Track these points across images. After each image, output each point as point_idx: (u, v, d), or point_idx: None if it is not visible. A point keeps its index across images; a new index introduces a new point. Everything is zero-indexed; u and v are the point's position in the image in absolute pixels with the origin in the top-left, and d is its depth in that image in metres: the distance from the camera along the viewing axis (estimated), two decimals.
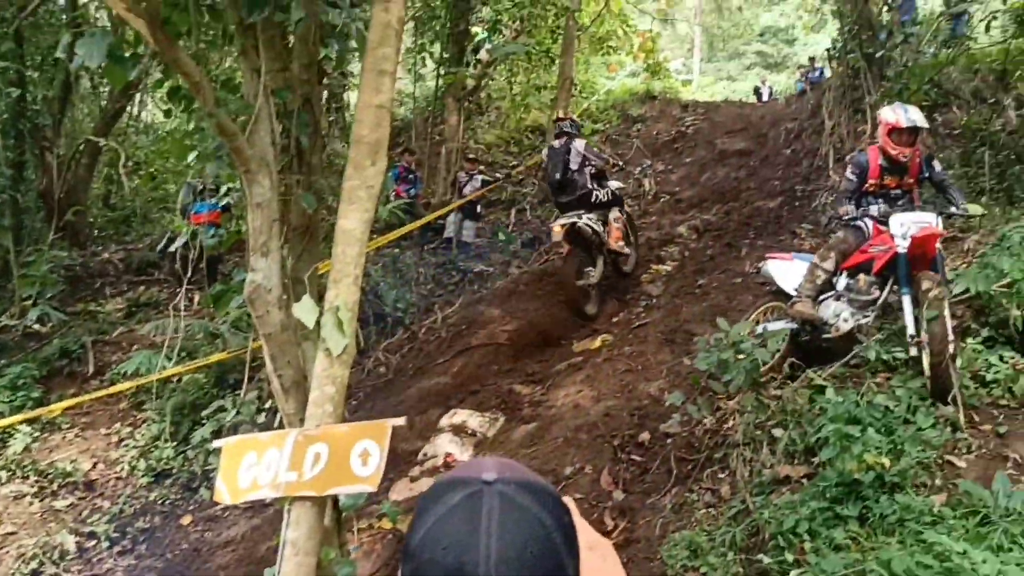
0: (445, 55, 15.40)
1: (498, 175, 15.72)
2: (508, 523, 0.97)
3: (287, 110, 3.70)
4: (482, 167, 16.19)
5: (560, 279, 9.22)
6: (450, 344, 9.42)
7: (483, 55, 16.77)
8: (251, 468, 3.22)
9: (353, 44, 4.09)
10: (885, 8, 14.43)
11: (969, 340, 5.83)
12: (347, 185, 3.21)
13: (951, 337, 5.15)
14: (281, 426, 3.59)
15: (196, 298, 10.34)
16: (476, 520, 0.98)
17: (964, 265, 7.11)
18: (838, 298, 6.12)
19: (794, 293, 6.29)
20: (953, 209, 6.09)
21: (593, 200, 9.14)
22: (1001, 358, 5.61)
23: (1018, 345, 5.66)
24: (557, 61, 16.36)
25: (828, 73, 18.45)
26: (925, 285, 5.36)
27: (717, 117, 18.63)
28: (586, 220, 8.78)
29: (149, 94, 16.82)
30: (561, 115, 10.89)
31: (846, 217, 6.06)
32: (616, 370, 7.33)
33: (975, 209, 6.36)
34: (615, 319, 9.03)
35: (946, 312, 5.19)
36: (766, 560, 4.29)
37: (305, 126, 3.73)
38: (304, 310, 3.21)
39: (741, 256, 10.20)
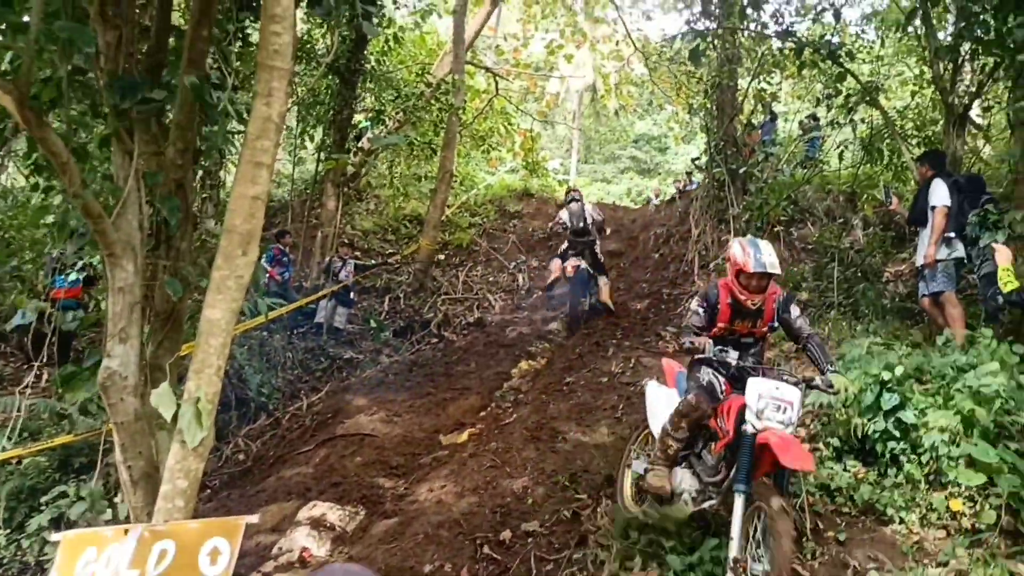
0: (327, 140, 15.46)
1: (374, 263, 15.71)
2: None
3: (157, 194, 3.66)
4: (357, 253, 16.19)
5: (567, 300, 12.80)
6: (314, 433, 9.22)
7: (364, 143, 16.94)
8: (89, 564, 3.06)
9: (232, 124, 4.10)
10: (747, 128, 15.38)
11: (820, 450, 6.13)
12: (216, 275, 3.17)
13: None
14: (128, 520, 3.44)
15: (45, 376, 9.80)
16: None
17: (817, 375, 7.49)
18: (688, 466, 5.24)
19: (656, 433, 5.52)
20: (818, 381, 5.06)
21: (596, 248, 12.91)
22: (845, 468, 5.91)
23: (860, 455, 5.97)
24: (439, 153, 16.67)
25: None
26: (773, 504, 4.46)
27: None
28: (585, 266, 12.54)
29: (12, 159, 16.15)
30: (572, 186, 16.53)
31: (696, 342, 5.22)
32: (481, 466, 7.32)
33: (839, 381, 5.13)
34: (482, 413, 9.05)
35: (787, 547, 4.29)
36: None
37: (175, 211, 3.69)
38: (162, 400, 3.12)
39: (608, 355, 10.44)
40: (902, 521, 5.37)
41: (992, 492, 5.17)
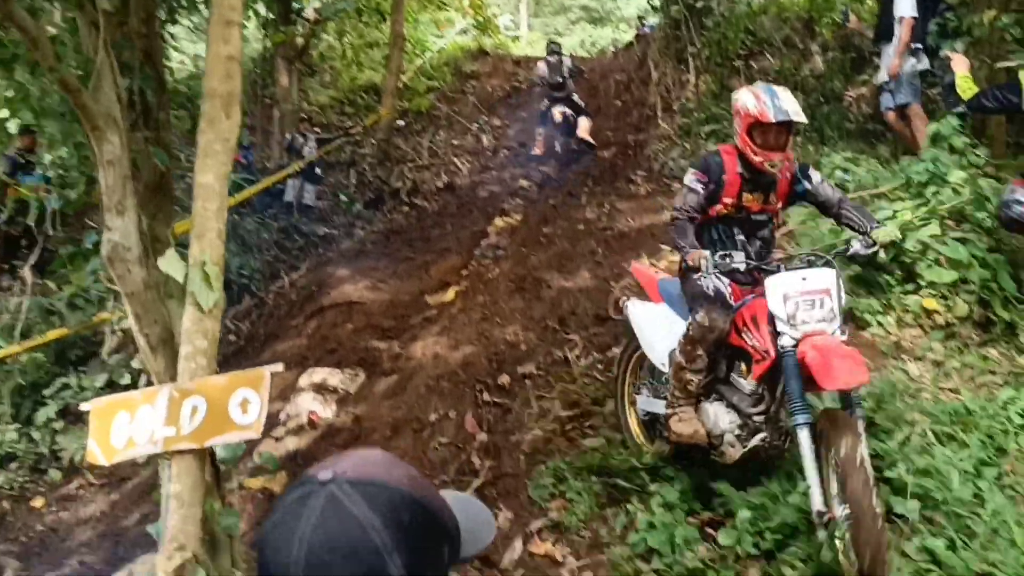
0: (270, 15, 14.95)
1: (338, 136, 15.48)
2: (324, 522, 1.01)
3: (128, 66, 3.60)
4: (317, 128, 15.92)
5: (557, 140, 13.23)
6: (301, 307, 9.34)
7: (310, 13, 16.40)
8: (124, 427, 3.18)
9: None
10: None
11: None
12: (202, 140, 3.18)
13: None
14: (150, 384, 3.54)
15: (30, 277, 9.78)
16: (296, 521, 1.02)
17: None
18: (719, 398, 4.29)
19: (661, 365, 4.56)
20: (856, 246, 4.19)
21: (574, 97, 13.51)
22: None
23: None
24: (388, 19, 16.21)
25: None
26: (844, 445, 3.44)
27: None
28: (571, 113, 13.10)
29: None
30: (554, 39, 16.66)
31: (688, 257, 4.03)
32: (471, 319, 7.51)
33: (888, 234, 4.20)
34: (464, 272, 9.19)
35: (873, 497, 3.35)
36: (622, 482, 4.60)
37: (149, 80, 3.65)
38: (171, 265, 3.18)
39: (581, 204, 10.55)
40: (880, 324, 5.63)
41: (963, 289, 5.43)
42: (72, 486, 7.06)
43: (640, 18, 23.59)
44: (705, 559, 3.86)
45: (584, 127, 13.21)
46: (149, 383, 3.50)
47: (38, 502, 6.94)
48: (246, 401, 3.09)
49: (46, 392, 7.50)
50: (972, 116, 7.54)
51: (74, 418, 7.39)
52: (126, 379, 7.13)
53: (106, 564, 5.67)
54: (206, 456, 3.21)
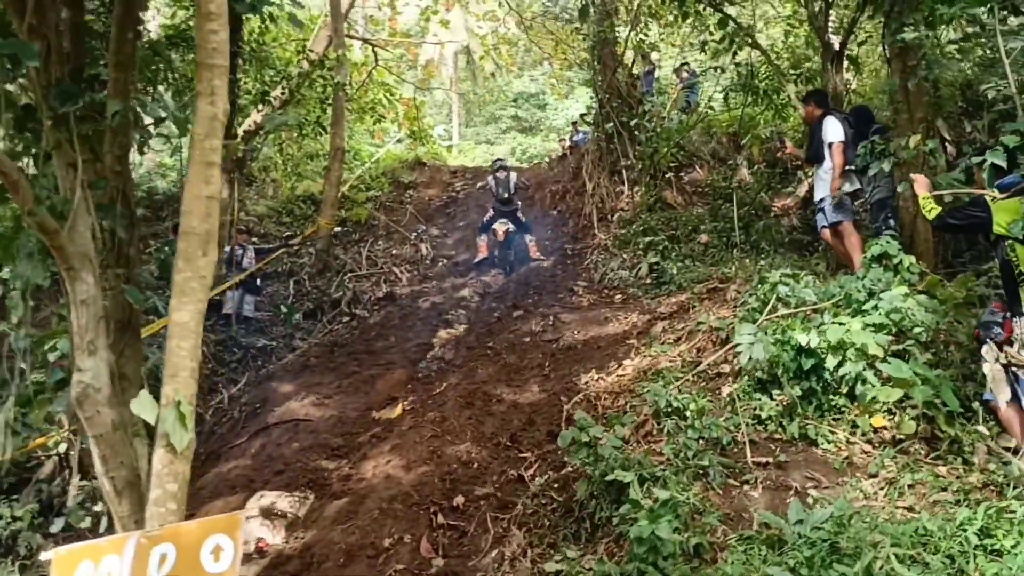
0: None
1: (276, 246, 15.46)
2: None
3: (100, 205, 3.61)
4: (255, 239, 15.89)
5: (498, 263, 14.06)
6: (244, 424, 9.15)
7: (251, 124, 16.54)
8: None
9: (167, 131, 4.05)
10: (630, 79, 15.71)
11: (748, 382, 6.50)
12: (179, 278, 3.18)
13: None
14: (110, 531, 3.43)
15: None
16: None
17: (731, 315, 7.88)
18: None
19: None
20: None
21: (518, 213, 14.37)
22: (771, 397, 6.28)
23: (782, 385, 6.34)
24: (328, 131, 16.44)
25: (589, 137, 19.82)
26: None
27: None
28: (513, 228, 14.05)
29: None
30: (500, 155, 18.01)
31: None
32: (422, 436, 7.44)
33: None
34: (411, 386, 9.15)
35: None
36: None
37: (121, 218, 3.65)
38: (143, 407, 3.13)
39: (525, 315, 10.66)
40: (830, 441, 5.77)
41: (908, 404, 5.61)
42: None
43: (574, 123, 24.38)
44: None
45: (533, 247, 14.05)
46: (110, 528, 3.39)
47: None
48: (219, 548, 3.01)
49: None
50: (900, 233, 7.95)
51: (5, 548, 7.03)
52: (86, 523, 6.82)
53: None
54: None
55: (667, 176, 14.01)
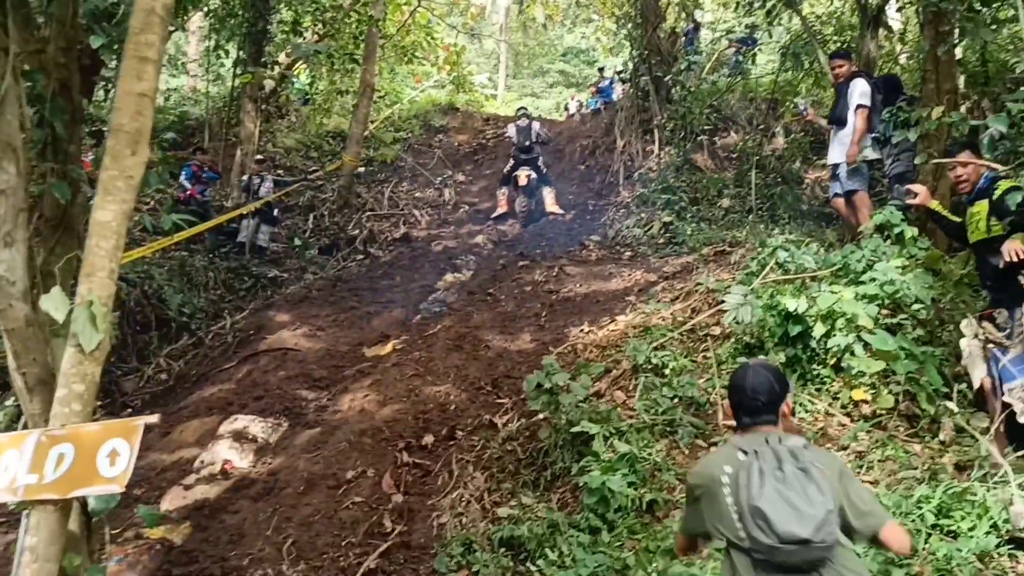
0: (242, 54, 14.94)
1: (294, 179, 15.40)
2: None
3: (40, 96, 3.51)
4: (280, 171, 15.84)
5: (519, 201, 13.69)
6: (236, 350, 9.14)
7: (283, 56, 16.45)
8: None
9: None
10: (671, 37, 15.30)
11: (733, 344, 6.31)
12: (105, 176, 3.07)
13: None
14: (26, 427, 3.37)
15: None
16: None
17: (730, 278, 7.65)
18: None
19: None
20: None
21: (539, 162, 13.85)
22: None
23: (768, 351, 6.14)
24: (360, 66, 16.28)
25: (617, 87, 19.40)
26: None
27: None
28: (535, 175, 13.57)
29: None
30: (522, 106, 16.75)
31: None
32: (404, 375, 7.37)
33: None
34: (406, 325, 9.07)
35: None
36: (532, 568, 4.45)
37: (61, 112, 3.54)
38: (53, 303, 3.04)
39: (532, 265, 10.51)
40: (808, 411, 5.59)
41: (892, 380, 5.39)
42: None
43: (601, 70, 23.92)
44: None
45: (550, 199, 13.70)
46: (27, 426, 3.33)
47: None
48: (115, 452, 2.93)
49: None
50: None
51: None
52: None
53: None
54: (70, 507, 3.04)
55: (700, 138, 13.64)
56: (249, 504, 5.74)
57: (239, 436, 6.60)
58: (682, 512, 3.30)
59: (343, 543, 5.14)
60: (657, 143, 14.37)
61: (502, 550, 4.72)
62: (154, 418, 3.02)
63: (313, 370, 7.99)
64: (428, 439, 6.31)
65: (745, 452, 2.69)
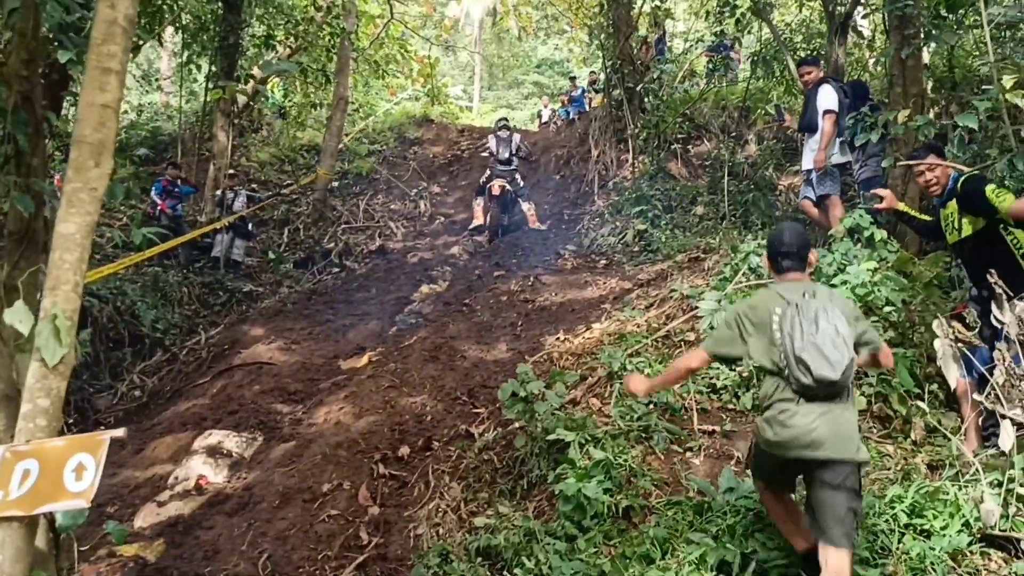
0: (215, 69, 14.88)
1: (268, 193, 15.35)
2: None
3: (2, 108, 3.47)
4: (254, 185, 15.79)
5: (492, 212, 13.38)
6: (211, 365, 9.08)
7: (256, 70, 16.40)
8: None
9: None
10: (643, 47, 15.37)
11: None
12: (68, 188, 3.04)
13: None
14: None
15: None
16: None
17: (704, 284, 7.69)
18: None
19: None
20: None
21: (517, 176, 13.71)
22: (731, 367, 6.11)
23: None
24: (333, 80, 16.27)
25: (589, 95, 19.47)
26: None
27: None
28: (511, 187, 13.38)
29: None
30: (503, 117, 16.23)
31: None
32: (380, 386, 7.33)
33: None
34: (382, 337, 9.04)
35: None
36: None
37: (23, 125, 3.51)
38: (17, 317, 3.01)
39: (507, 275, 10.51)
40: None
41: (864, 381, 5.43)
42: None
43: (572, 78, 23.98)
44: None
45: (532, 216, 13.62)
46: None
47: None
48: (81, 467, 2.90)
49: None
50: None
51: None
52: None
53: None
54: (36, 524, 2.99)
55: (673, 147, 13.71)
56: (224, 519, 5.68)
57: (213, 451, 6.54)
58: (713, 339, 3.93)
59: (319, 556, 5.10)
60: (631, 152, 14.43)
61: (479, 560, 4.69)
62: (120, 432, 2.98)
63: (288, 384, 7.94)
64: (404, 450, 6.27)
65: (787, 301, 3.55)
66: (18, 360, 3.27)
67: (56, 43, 3.99)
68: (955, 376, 4.59)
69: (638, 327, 7.23)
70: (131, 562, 5.20)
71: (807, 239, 3.83)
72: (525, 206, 13.74)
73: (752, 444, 4.06)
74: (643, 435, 5.49)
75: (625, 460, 5.10)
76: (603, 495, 4.64)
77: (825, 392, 3.44)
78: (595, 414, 5.74)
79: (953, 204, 5.05)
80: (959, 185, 4.92)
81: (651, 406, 5.76)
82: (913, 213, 5.64)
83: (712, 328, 6.12)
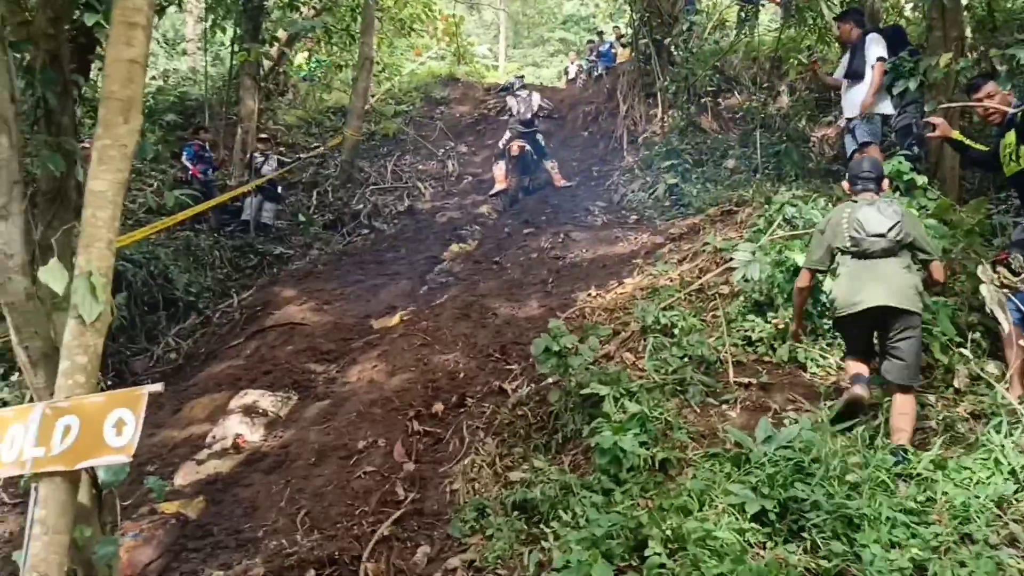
0: (240, 32, 14.80)
1: (296, 156, 15.33)
2: None
3: (31, 67, 3.46)
4: (282, 148, 15.77)
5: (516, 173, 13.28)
6: (244, 327, 9.14)
7: (281, 32, 16.31)
8: None
9: None
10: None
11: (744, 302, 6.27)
12: (98, 145, 3.02)
13: None
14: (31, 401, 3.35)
15: None
16: None
17: (737, 237, 7.59)
18: None
19: None
20: None
21: (538, 137, 13.46)
22: (767, 319, 6.05)
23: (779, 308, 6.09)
24: (358, 41, 16.15)
25: (616, 50, 19.19)
26: None
27: None
28: (530, 147, 13.12)
29: None
30: (519, 75, 15.93)
31: None
32: (412, 345, 7.34)
33: None
34: (413, 296, 9.04)
35: None
36: (546, 530, 4.43)
37: (51, 83, 3.49)
38: (52, 275, 3.01)
39: (537, 232, 10.46)
40: (820, 366, 5.55)
41: None
42: None
43: (599, 33, 23.63)
44: None
45: (556, 174, 13.40)
46: (32, 400, 3.31)
47: None
48: (121, 422, 2.91)
49: None
50: (926, 159, 7.55)
51: None
52: (5, 394, 6.88)
53: None
54: (79, 479, 3.02)
55: (703, 100, 13.48)
56: (261, 477, 5.74)
57: (249, 411, 6.60)
58: (807, 257, 5.06)
59: (356, 512, 5.13)
60: (660, 106, 14.21)
61: (515, 513, 4.70)
62: (158, 387, 2.99)
63: (321, 343, 7.97)
64: (438, 407, 6.29)
65: (857, 205, 4.74)
66: (55, 318, 3.28)
67: (83, 5, 3.97)
68: (1005, 320, 4.50)
69: (671, 281, 7.18)
70: (172, 519, 5.27)
71: (882, 169, 4.98)
72: (549, 165, 13.53)
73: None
74: (678, 388, 5.46)
75: (660, 413, 5.08)
76: (639, 448, 4.62)
77: (880, 250, 4.50)
78: (629, 368, 5.72)
79: (1012, 135, 4.93)
80: (1019, 116, 4.80)
81: (686, 359, 5.72)
82: (968, 143, 5.51)
83: (745, 280, 6.06)
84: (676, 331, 6.07)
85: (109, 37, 3.09)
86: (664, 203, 10.52)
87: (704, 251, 7.51)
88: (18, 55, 3.43)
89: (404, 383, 6.64)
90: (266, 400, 6.73)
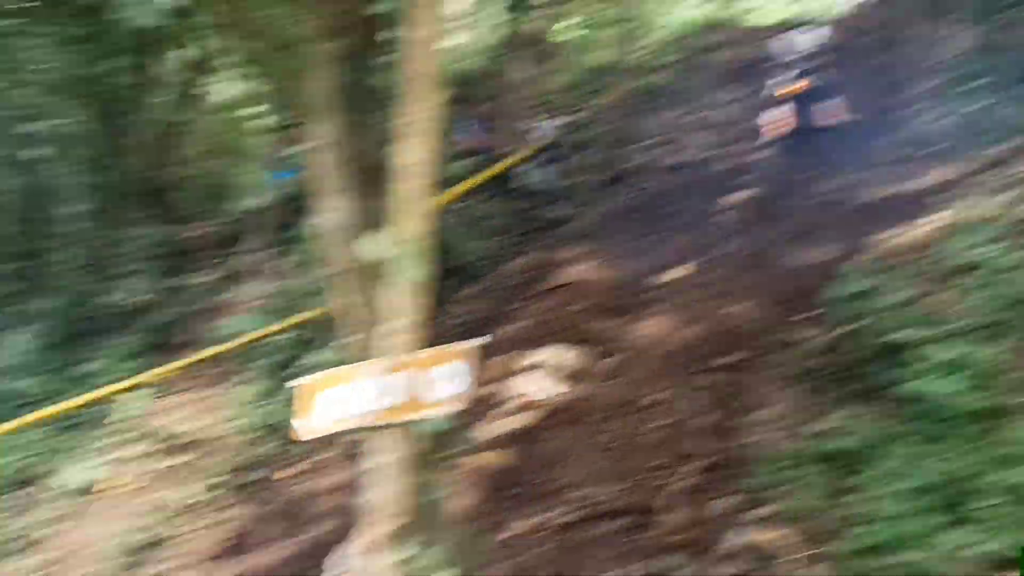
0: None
1: (567, 119, 15.51)
2: None
3: (346, 54, 3.75)
4: (551, 112, 16.01)
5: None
6: (524, 290, 9.44)
7: None
8: (331, 403, 3.33)
9: None
10: None
11: None
12: (405, 120, 3.24)
13: None
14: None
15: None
16: None
17: None
18: None
19: None
20: None
21: (819, 73, 11.87)
22: None
23: None
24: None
25: None
26: None
27: None
28: (811, 84, 11.63)
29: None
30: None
31: None
32: (699, 297, 7.21)
33: None
34: (697, 248, 8.89)
35: None
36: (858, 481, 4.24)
37: (362, 69, 3.77)
38: (379, 244, 3.28)
39: (821, 176, 9.94)
40: None
41: None
42: (318, 457, 7.54)
43: None
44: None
45: (839, 109, 11.95)
46: (361, 360, 3.63)
47: (282, 473, 7.50)
48: (454, 374, 3.14)
49: (304, 365, 8.05)
50: None
51: None
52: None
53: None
54: (412, 430, 3.28)
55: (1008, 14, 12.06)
56: (556, 432, 5.97)
57: (540, 369, 6.86)
58: None
59: (651, 465, 5.20)
60: (955, 27, 12.90)
61: (820, 465, 4.55)
62: (487, 339, 3.20)
63: (605, 301, 8.06)
64: (730, 359, 6.18)
65: None
66: (380, 284, 3.58)
67: None
68: None
69: (988, 213, 6.50)
70: (480, 469, 5.62)
71: None
72: (833, 102, 12.63)
73: None
74: (998, 331, 4.98)
75: (981, 358, 4.67)
76: (961, 396, 4.28)
77: None
78: (939, 311, 5.30)
79: None
80: None
81: (1006, 300, 5.20)
82: None
83: None
84: (994, 268, 5.52)
85: (405, 19, 3.28)
86: (972, 130, 9.54)
87: None
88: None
89: (693, 335, 6.59)
90: (555, 358, 6.96)
